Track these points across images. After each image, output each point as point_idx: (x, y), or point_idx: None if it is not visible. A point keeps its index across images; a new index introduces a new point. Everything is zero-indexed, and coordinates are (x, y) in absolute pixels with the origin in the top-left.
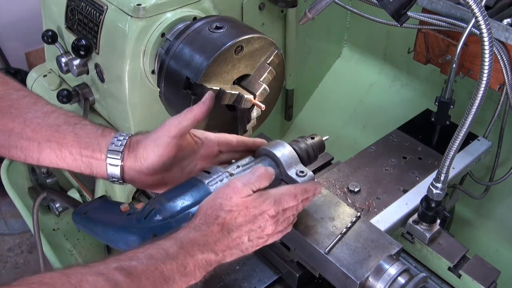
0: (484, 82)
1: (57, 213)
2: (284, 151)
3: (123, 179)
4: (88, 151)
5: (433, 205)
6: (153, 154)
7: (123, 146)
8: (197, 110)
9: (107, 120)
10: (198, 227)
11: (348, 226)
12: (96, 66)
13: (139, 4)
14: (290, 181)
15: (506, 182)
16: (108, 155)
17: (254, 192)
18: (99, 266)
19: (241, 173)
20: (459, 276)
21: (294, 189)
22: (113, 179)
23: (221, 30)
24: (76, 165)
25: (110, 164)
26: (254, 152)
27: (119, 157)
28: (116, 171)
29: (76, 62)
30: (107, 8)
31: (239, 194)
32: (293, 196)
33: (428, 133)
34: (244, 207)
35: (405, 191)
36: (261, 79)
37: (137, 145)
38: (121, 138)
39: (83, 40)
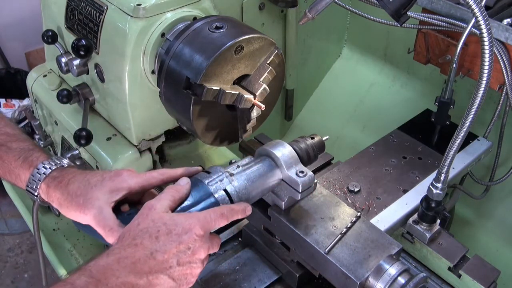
0: (484, 82)
1: (57, 213)
2: (284, 151)
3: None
4: (11, 176)
5: (433, 205)
6: (97, 207)
7: (38, 189)
8: (134, 186)
9: (107, 120)
10: (111, 252)
11: (348, 226)
12: (96, 66)
13: (139, 4)
14: (290, 181)
15: (506, 182)
16: (27, 189)
17: (172, 210)
18: None
19: (241, 173)
20: (459, 276)
21: (219, 209)
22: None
23: (221, 30)
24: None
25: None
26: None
27: (36, 194)
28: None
29: (76, 62)
30: (107, 8)
31: (154, 210)
32: (220, 214)
33: (428, 133)
34: (162, 223)
35: (405, 191)
36: (261, 79)
37: (76, 194)
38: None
39: (83, 40)
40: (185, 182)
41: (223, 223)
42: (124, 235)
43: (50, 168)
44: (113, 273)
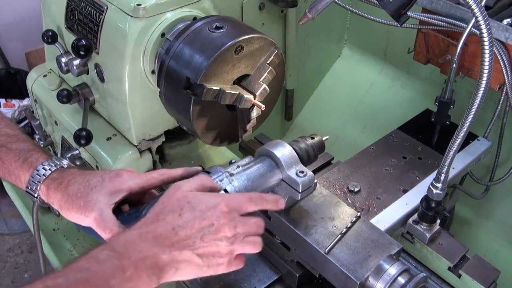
0: (484, 82)
1: (57, 213)
2: (284, 151)
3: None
4: (11, 178)
5: (433, 205)
6: (97, 209)
7: (38, 190)
8: (134, 187)
9: (107, 120)
10: (133, 228)
11: (348, 226)
12: (96, 66)
13: (139, 4)
14: (290, 181)
15: (506, 182)
16: (27, 190)
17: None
18: (25, 287)
19: (241, 173)
20: (459, 276)
21: (248, 193)
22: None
23: (221, 30)
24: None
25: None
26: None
27: (36, 195)
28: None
29: (76, 62)
30: (107, 8)
31: (180, 189)
32: (248, 197)
33: (428, 133)
34: (186, 201)
35: (405, 191)
36: (261, 79)
37: (76, 196)
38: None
39: (83, 40)
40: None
41: (251, 208)
42: (147, 214)
43: (49, 169)
44: (135, 248)
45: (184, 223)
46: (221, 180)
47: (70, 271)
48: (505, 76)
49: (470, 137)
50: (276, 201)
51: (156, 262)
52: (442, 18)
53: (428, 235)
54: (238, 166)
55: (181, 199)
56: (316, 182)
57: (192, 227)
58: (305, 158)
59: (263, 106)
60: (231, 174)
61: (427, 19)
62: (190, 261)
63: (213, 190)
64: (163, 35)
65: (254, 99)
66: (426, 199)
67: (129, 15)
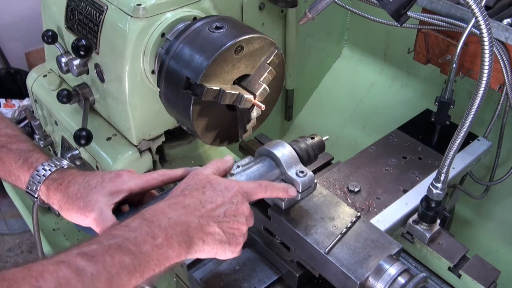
0: (484, 82)
1: (57, 213)
2: (284, 151)
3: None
4: (12, 178)
5: (433, 205)
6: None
7: (38, 191)
8: (134, 187)
9: (107, 120)
10: (162, 200)
11: (348, 226)
12: (96, 66)
13: (139, 4)
14: (290, 181)
15: (506, 182)
16: (27, 191)
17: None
18: (61, 255)
19: (241, 173)
20: (459, 276)
21: (258, 181)
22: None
23: (221, 30)
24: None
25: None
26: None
27: (36, 196)
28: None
29: (76, 62)
30: (107, 8)
31: (201, 173)
32: (258, 184)
33: (428, 133)
34: (207, 181)
35: (405, 191)
36: (261, 79)
37: (76, 196)
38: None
39: (83, 40)
40: (230, 158)
41: (260, 194)
42: (173, 190)
43: (49, 170)
44: (165, 215)
45: (208, 198)
46: None
47: (103, 238)
48: (505, 76)
49: (470, 137)
50: (286, 189)
51: (186, 229)
52: (442, 18)
53: (428, 235)
54: (238, 166)
55: (203, 179)
56: (316, 182)
57: (216, 202)
58: (305, 158)
59: (263, 106)
60: (231, 174)
61: (427, 19)
62: (216, 234)
63: (226, 170)
64: (163, 35)
65: (254, 99)
66: (426, 199)
67: (129, 15)
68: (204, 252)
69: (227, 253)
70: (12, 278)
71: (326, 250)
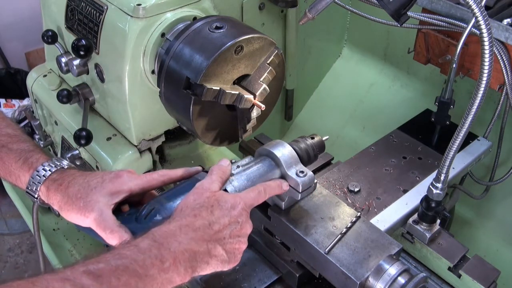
0: (484, 82)
1: (57, 213)
2: (284, 151)
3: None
4: (12, 178)
5: (433, 205)
6: (97, 209)
7: (38, 191)
8: (135, 188)
9: (107, 120)
10: (173, 220)
11: (348, 226)
12: (96, 66)
13: (139, 4)
14: (290, 181)
15: (506, 182)
16: (27, 191)
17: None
18: (66, 271)
19: (241, 173)
20: (459, 276)
21: (256, 187)
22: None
23: (221, 30)
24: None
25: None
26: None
27: (36, 196)
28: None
29: (76, 62)
30: (107, 8)
31: (208, 190)
32: (257, 192)
33: (428, 133)
34: (215, 199)
35: (405, 191)
36: (261, 79)
37: (76, 197)
38: (38, 179)
39: (83, 40)
40: (227, 163)
41: (261, 199)
42: (182, 208)
43: (49, 170)
44: (176, 239)
45: (217, 219)
46: None
47: (111, 257)
48: (505, 76)
49: (470, 137)
50: (280, 185)
51: (194, 255)
52: (442, 18)
53: (428, 235)
54: (238, 166)
55: (211, 197)
56: (316, 182)
57: (223, 223)
58: (305, 158)
59: (263, 106)
60: (231, 174)
61: (427, 19)
62: (219, 256)
63: (227, 179)
64: (163, 35)
65: (254, 99)
66: (426, 199)
67: (129, 15)
68: (205, 271)
69: (225, 269)
70: None
71: (326, 250)
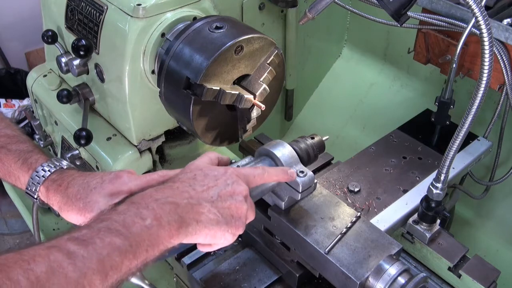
0: (484, 82)
1: (57, 213)
2: (284, 151)
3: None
4: (11, 178)
5: (433, 205)
6: (97, 210)
7: (38, 192)
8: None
9: (107, 120)
10: (152, 188)
11: (348, 226)
12: (96, 66)
13: (139, 4)
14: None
15: (506, 182)
16: (27, 192)
17: None
18: (51, 241)
19: None
20: (459, 276)
21: (254, 167)
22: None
23: (221, 30)
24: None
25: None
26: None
27: (35, 196)
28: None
29: (76, 62)
30: (107, 8)
31: (193, 163)
32: (253, 168)
33: (428, 133)
34: (199, 169)
35: (405, 191)
36: (261, 79)
37: (76, 197)
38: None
39: (83, 40)
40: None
41: (259, 177)
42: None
43: (49, 170)
44: (152, 197)
45: (199, 182)
46: None
47: (93, 223)
48: (505, 76)
49: (470, 137)
50: (286, 170)
51: (174, 208)
52: (442, 18)
53: (428, 235)
54: (238, 166)
55: (193, 169)
56: (316, 182)
57: (208, 185)
58: (305, 158)
59: (263, 106)
60: None
61: (427, 19)
62: (210, 214)
63: (222, 163)
64: (163, 35)
65: (254, 99)
66: (426, 199)
67: (129, 15)
68: (201, 234)
69: (227, 235)
70: (4, 262)
71: (326, 250)
